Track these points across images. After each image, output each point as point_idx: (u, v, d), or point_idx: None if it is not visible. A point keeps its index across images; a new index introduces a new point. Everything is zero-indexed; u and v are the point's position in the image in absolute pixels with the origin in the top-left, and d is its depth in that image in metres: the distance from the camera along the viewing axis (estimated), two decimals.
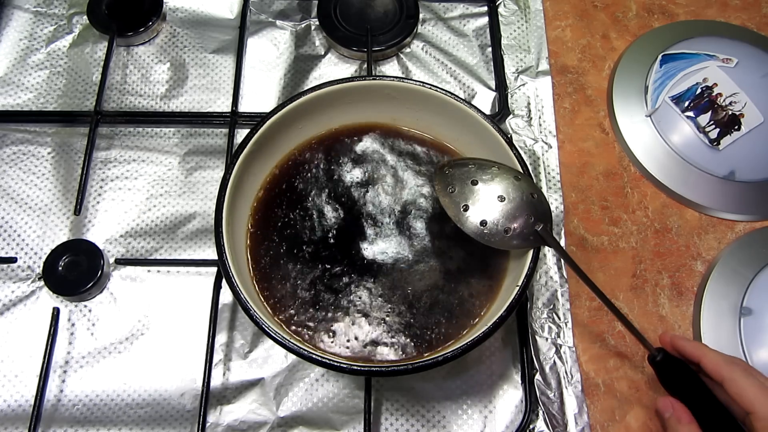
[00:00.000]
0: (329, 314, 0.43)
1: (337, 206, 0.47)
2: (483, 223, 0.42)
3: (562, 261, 0.52)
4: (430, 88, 0.47)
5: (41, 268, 0.49)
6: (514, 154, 0.44)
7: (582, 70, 0.61)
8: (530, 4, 0.63)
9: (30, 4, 0.62)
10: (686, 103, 0.56)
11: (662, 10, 0.63)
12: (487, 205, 0.43)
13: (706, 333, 0.49)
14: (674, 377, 0.43)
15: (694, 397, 0.42)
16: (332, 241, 0.45)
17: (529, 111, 0.58)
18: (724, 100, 0.56)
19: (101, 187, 0.54)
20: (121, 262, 0.51)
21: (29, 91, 0.58)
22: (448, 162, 0.45)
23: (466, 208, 0.43)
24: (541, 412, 0.47)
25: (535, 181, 0.48)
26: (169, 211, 0.53)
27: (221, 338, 0.49)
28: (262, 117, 0.45)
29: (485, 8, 0.63)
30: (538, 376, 0.48)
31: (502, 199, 0.43)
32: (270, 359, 0.48)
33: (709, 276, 0.51)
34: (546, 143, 0.57)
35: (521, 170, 0.44)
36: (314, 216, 0.46)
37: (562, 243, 0.52)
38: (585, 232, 0.54)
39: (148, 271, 0.51)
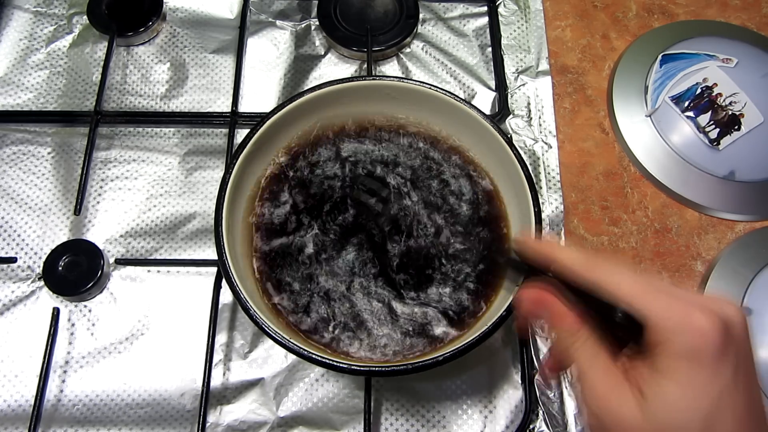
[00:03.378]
0: (330, 314, 0.43)
1: (337, 205, 0.47)
2: None
3: None
4: (430, 88, 0.47)
5: (41, 268, 0.49)
6: (514, 154, 0.44)
7: (582, 70, 0.60)
8: (530, 4, 0.63)
9: (30, 4, 0.62)
10: (686, 103, 0.56)
11: (662, 10, 0.63)
12: None
13: None
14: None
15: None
16: (333, 240, 0.45)
17: (529, 111, 0.58)
18: (724, 100, 0.56)
19: (101, 187, 0.54)
20: (121, 262, 0.51)
21: (29, 91, 0.58)
22: None
23: None
24: (541, 412, 0.47)
25: (535, 181, 0.48)
26: (169, 211, 0.53)
27: (221, 338, 0.49)
28: (262, 117, 0.45)
29: (485, 8, 0.63)
30: (538, 376, 0.48)
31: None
32: (270, 359, 0.48)
33: (709, 276, 0.51)
34: (546, 143, 0.57)
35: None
36: (314, 215, 0.46)
37: (562, 243, 0.52)
38: (585, 232, 0.54)
39: (148, 271, 0.51)
